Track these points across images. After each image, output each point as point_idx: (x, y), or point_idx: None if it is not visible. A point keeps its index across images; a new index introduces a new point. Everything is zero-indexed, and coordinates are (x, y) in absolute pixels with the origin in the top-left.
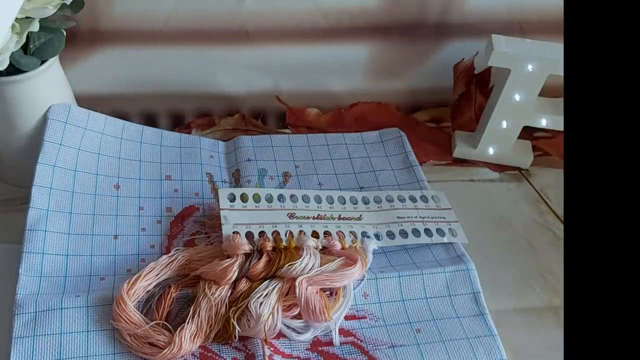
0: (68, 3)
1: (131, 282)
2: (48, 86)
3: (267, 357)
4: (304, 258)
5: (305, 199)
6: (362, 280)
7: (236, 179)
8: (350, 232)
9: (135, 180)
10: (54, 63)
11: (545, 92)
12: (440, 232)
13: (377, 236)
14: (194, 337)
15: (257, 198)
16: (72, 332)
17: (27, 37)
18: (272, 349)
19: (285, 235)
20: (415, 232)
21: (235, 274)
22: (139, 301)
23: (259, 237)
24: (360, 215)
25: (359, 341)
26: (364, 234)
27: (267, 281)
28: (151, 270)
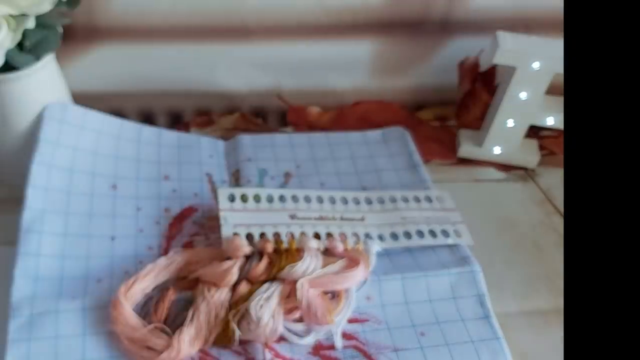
0: None
1: (128, 285)
2: (44, 84)
3: None
4: (305, 260)
5: (307, 199)
6: (365, 282)
7: (236, 179)
8: (353, 233)
9: (133, 180)
10: (50, 60)
11: (552, 91)
12: (444, 233)
13: (381, 237)
14: (193, 341)
15: (257, 198)
16: (68, 336)
17: (23, 34)
18: (273, 352)
19: (287, 236)
20: (419, 234)
21: (235, 276)
22: (136, 304)
23: (260, 238)
24: (363, 216)
25: (361, 345)
26: (367, 235)
27: (268, 283)
28: (149, 272)
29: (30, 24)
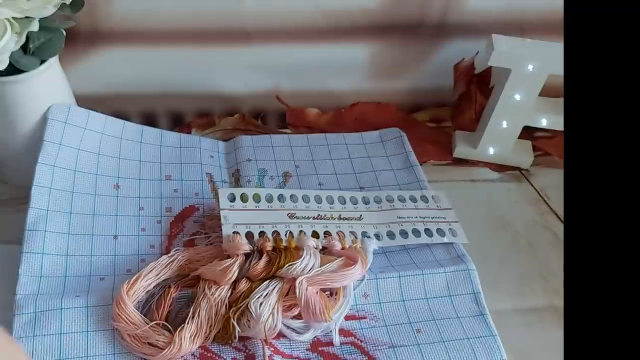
0: (68, 3)
1: (131, 282)
2: (48, 86)
3: (267, 358)
4: (304, 258)
5: (306, 199)
6: (362, 280)
7: (236, 179)
8: (351, 232)
9: (135, 180)
10: (53, 63)
11: (546, 92)
12: (440, 232)
13: (378, 236)
14: (194, 337)
15: (257, 198)
16: (71, 333)
17: (27, 36)
18: (272, 349)
19: (286, 235)
20: (416, 232)
21: (235, 274)
22: (138, 301)
23: (259, 237)
24: (361, 215)
25: (359, 341)
26: (364, 234)
27: (267, 281)
28: (151, 271)
29: (34, 27)
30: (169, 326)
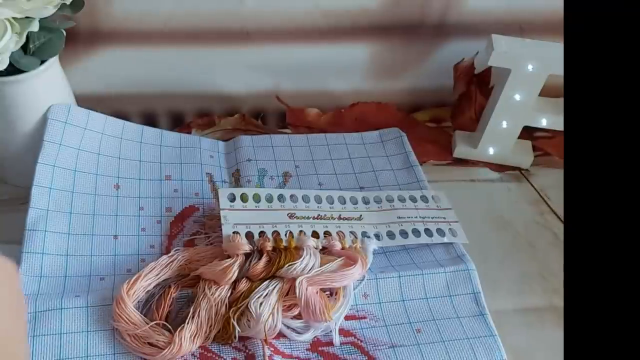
0: (68, 3)
1: (131, 282)
2: (48, 86)
3: (267, 357)
4: (304, 258)
5: (306, 199)
6: (362, 280)
7: (236, 179)
8: (351, 232)
9: (135, 180)
10: (53, 63)
11: (545, 92)
12: (440, 232)
13: (377, 236)
14: (194, 337)
15: (257, 198)
16: (72, 332)
17: (27, 37)
18: (272, 349)
19: (286, 235)
20: (416, 232)
21: (235, 274)
22: (138, 301)
23: (259, 237)
24: (361, 215)
25: (359, 341)
26: (364, 234)
27: (267, 281)
28: (151, 270)
29: (35, 27)
30: (169, 326)
